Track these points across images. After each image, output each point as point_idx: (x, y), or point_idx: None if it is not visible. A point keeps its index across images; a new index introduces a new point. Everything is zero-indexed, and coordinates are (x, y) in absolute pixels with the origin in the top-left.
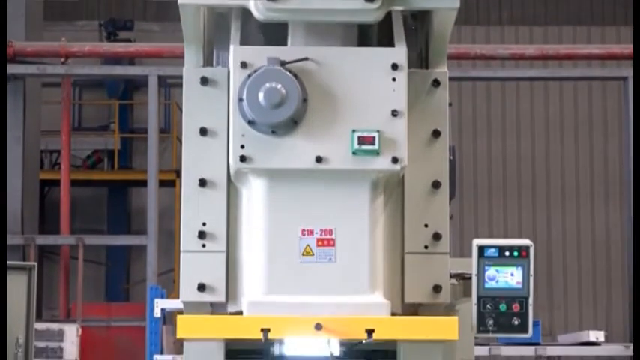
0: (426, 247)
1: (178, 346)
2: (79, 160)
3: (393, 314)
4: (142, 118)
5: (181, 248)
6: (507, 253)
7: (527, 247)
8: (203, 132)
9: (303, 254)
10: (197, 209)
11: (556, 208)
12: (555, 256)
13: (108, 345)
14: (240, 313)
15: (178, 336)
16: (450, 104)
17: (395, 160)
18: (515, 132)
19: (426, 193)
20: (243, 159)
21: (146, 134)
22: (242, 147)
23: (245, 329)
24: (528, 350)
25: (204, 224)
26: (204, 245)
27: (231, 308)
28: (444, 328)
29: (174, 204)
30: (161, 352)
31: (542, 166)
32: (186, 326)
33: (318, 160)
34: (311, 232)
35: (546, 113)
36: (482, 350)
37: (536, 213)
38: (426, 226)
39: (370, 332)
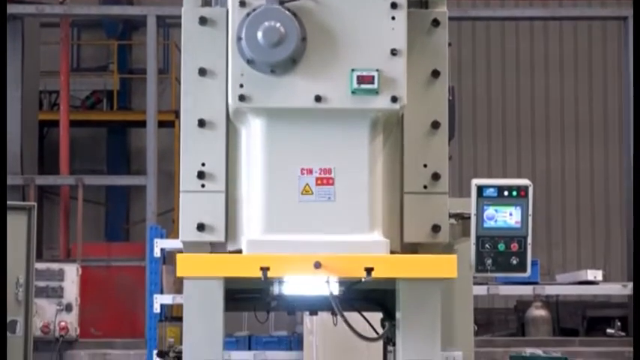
0: (425, 187)
1: (178, 286)
2: (77, 100)
3: (392, 253)
4: (141, 58)
5: (181, 188)
6: (506, 193)
7: (526, 187)
8: (202, 72)
9: (302, 193)
10: (196, 149)
11: (555, 149)
12: (554, 197)
13: (108, 285)
14: (239, 252)
15: (178, 275)
16: (450, 44)
17: (394, 99)
18: (515, 72)
19: (425, 134)
20: (242, 98)
21: (145, 75)
22: (241, 86)
23: (244, 268)
24: (526, 290)
25: (203, 164)
26: (203, 185)
27: (230, 248)
28: (443, 266)
29: (173, 144)
30: (161, 292)
31: (541, 106)
32: (186, 265)
33: (317, 99)
34: (310, 171)
35: (546, 53)
36: (480, 290)
37: (536, 154)
38: (425, 166)
39: (369, 271)
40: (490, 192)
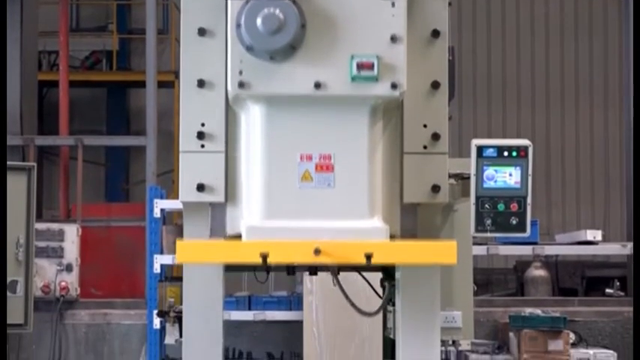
0: (425, 147)
1: None
2: (77, 61)
3: (391, 238)
4: (140, 18)
5: (180, 149)
6: (506, 153)
7: (525, 147)
8: (201, 32)
9: (301, 179)
10: (195, 110)
11: (555, 109)
12: (554, 157)
13: (108, 245)
14: (239, 236)
15: (177, 261)
16: (450, 4)
17: (394, 86)
18: (515, 33)
19: (425, 94)
20: (241, 85)
21: (144, 35)
22: (240, 73)
23: (244, 254)
24: (526, 250)
25: (202, 125)
26: (203, 146)
27: (230, 230)
28: (442, 252)
29: (173, 105)
30: (161, 252)
31: (541, 66)
32: (186, 251)
33: (317, 85)
34: (310, 158)
35: (546, 14)
36: (480, 250)
37: (536, 114)
38: (425, 126)
39: (369, 257)
40: (490, 152)
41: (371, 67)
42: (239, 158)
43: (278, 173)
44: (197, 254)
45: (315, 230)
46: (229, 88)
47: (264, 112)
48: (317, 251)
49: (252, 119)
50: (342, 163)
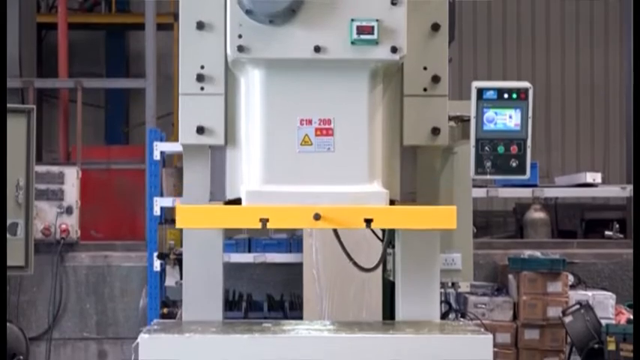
0: (425, 89)
1: (178, 189)
2: (75, 3)
3: (391, 203)
4: None
5: (180, 91)
6: (506, 96)
7: (526, 90)
8: None
9: (301, 144)
10: (195, 52)
11: (555, 51)
12: (554, 99)
13: (108, 187)
14: (238, 201)
15: (178, 226)
16: None
17: (394, 50)
18: None
19: (425, 36)
20: (240, 49)
21: None
22: (239, 37)
23: (244, 219)
24: (526, 192)
25: (202, 67)
26: (202, 88)
27: (229, 194)
28: (442, 217)
29: (172, 47)
30: (161, 195)
31: (541, 8)
32: (186, 216)
33: (317, 49)
34: (309, 122)
35: None
36: (479, 192)
37: (536, 56)
38: (425, 68)
39: (369, 222)
40: (490, 94)
41: (371, 30)
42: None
43: (278, 138)
44: (197, 220)
45: (315, 195)
46: (229, 52)
47: (264, 76)
48: (317, 216)
49: (252, 83)
50: (341, 128)
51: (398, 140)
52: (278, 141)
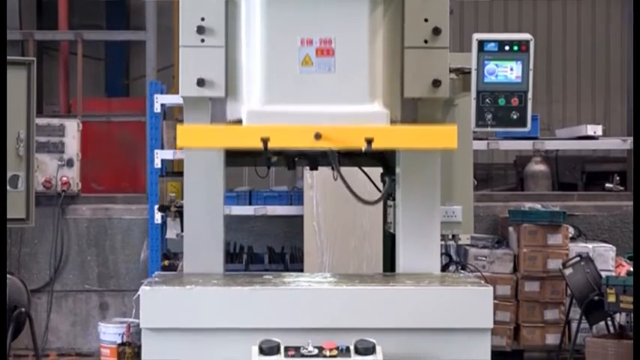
0: (426, 41)
1: None
2: None
3: (392, 123)
4: None
5: (180, 43)
6: (507, 48)
7: (527, 42)
8: None
9: (302, 64)
10: (195, 4)
11: (557, 3)
12: (555, 52)
13: (108, 140)
14: (239, 121)
15: (179, 146)
16: None
17: None
18: None
19: None
20: None
21: None
22: None
23: (244, 139)
24: (526, 145)
25: (202, 19)
26: (203, 40)
27: (230, 115)
28: (442, 137)
29: None
30: (162, 147)
31: None
32: (186, 136)
33: None
34: (310, 42)
35: None
36: (480, 145)
37: (537, 8)
38: (426, 20)
39: (369, 142)
40: (491, 47)
41: None
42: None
43: (278, 58)
44: (198, 139)
45: (316, 115)
46: None
47: None
48: (317, 136)
49: (253, 5)
50: (342, 48)
51: (399, 61)
52: (279, 61)
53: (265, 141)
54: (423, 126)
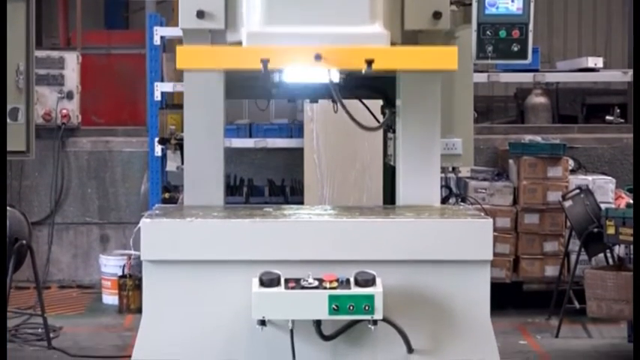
0: None
1: (179, 74)
2: None
3: (392, 44)
4: None
5: None
6: None
7: None
8: None
9: None
10: None
11: None
12: None
13: (108, 72)
14: (239, 44)
15: (178, 67)
16: None
17: None
18: None
19: None
20: None
21: None
22: None
23: (244, 60)
24: (527, 77)
25: None
26: None
27: (230, 37)
28: (443, 58)
29: None
30: (162, 80)
31: None
32: (186, 57)
33: None
34: None
35: None
36: (480, 77)
37: None
38: None
39: (370, 62)
40: None
41: None
42: None
43: None
44: (198, 60)
45: (316, 35)
46: None
47: None
48: (318, 57)
49: None
50: None
51: None
52: None
53: (265, 62)
54: (423, 47)
